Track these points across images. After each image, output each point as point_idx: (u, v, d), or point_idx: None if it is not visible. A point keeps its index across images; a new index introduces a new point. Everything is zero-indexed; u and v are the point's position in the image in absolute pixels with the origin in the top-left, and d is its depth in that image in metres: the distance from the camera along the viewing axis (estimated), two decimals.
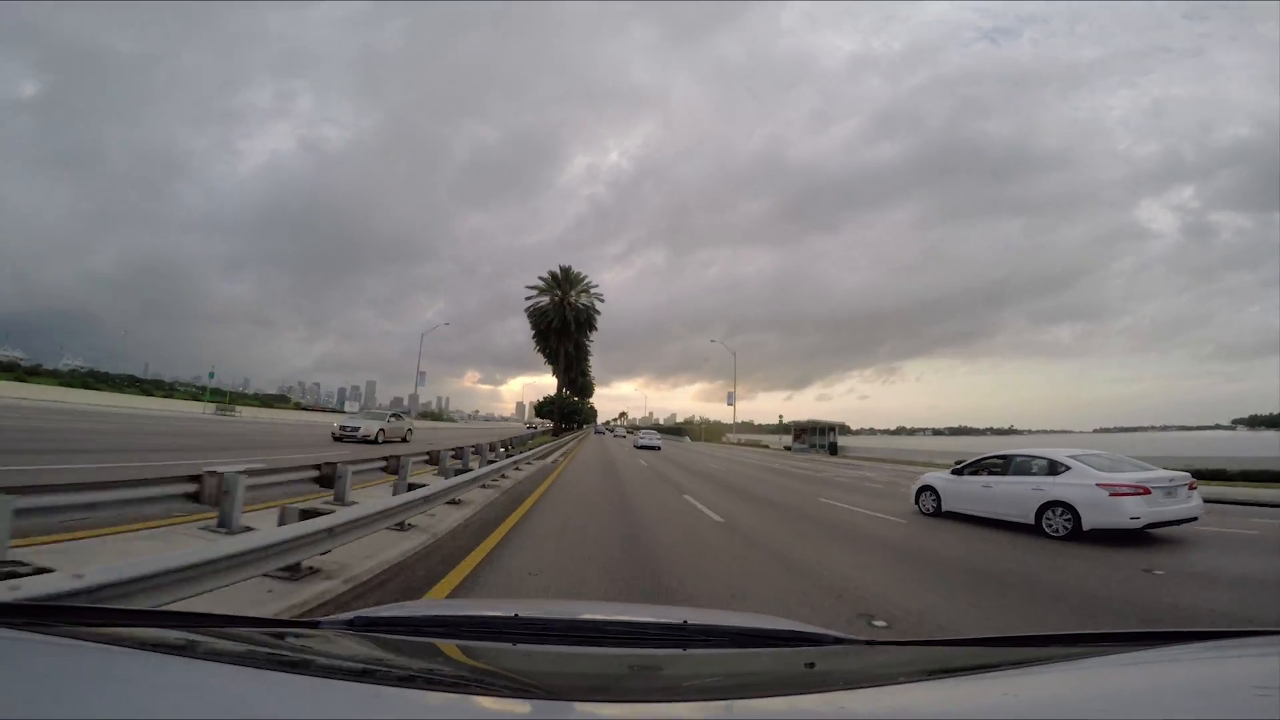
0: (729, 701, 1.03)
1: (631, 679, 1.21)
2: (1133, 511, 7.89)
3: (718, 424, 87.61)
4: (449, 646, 1.29)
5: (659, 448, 37.32)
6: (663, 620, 1.58)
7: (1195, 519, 8.47)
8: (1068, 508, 8.38)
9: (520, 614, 1.47)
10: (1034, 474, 9.14)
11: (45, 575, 2.47)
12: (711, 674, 1.28)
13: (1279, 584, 6.26)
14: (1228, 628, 1.10)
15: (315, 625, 1.36)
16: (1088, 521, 8.15)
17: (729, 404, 64.01)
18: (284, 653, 1.09)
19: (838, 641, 1.42)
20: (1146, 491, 7.99)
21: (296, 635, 1.28)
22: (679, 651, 1.36)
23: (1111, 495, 8.03)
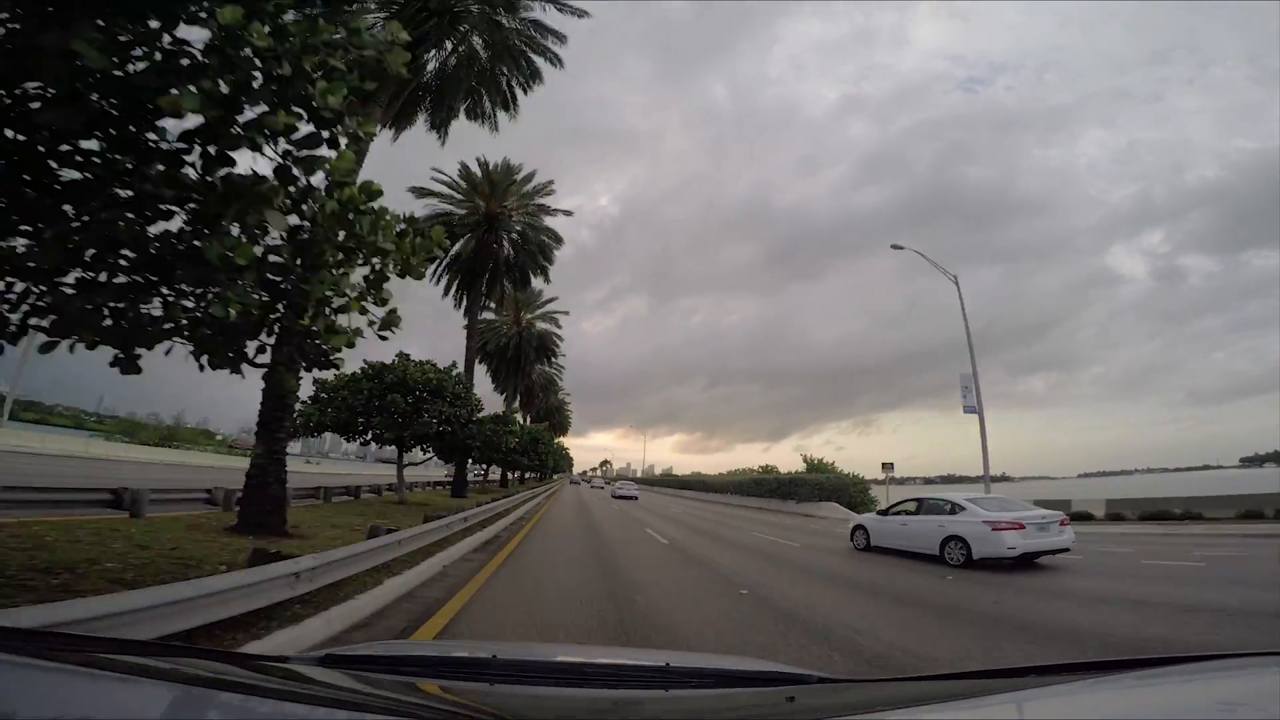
0: None
1: (610, 716, 1.20)
2: (1010, 543, 9.61)
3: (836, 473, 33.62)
4: (424, 685, 1.27)
5: (636, 498, 38.84)
6: (645, 662, 1.58)
7: (1067, 549, 10.21)
8: (962, 541, 10.09)
9: (499, 655, 1.46)
10: (938, 514, 10.93)
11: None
12: (692, 712, 1.28)
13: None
14: (1195, 653, 1.16)
15: (285, 660, 1.35)
16: (976, 552, 9.85)
17: (968, 409, 21.45)
18: (255, 683, 1.07)
19: (822, 681, 1.43)
20: (1021, 527, 9.73)
21: (266, 667, 1.26)
22: (661, 692, 1.36)
23: (994, 530, 9.77)
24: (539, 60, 16.88)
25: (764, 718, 1.21)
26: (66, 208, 2.96)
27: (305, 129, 3.20)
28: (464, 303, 26.22)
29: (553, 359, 41.87)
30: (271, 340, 4.04)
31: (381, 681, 1.26)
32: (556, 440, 60.44)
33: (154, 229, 3.18)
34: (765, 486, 36.27)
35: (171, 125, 2.98)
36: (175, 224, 3.24)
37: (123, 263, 3.15)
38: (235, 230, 3.22)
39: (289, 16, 2.97)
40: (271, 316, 3.75)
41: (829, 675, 1.49)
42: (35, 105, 2.71)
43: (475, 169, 25.82)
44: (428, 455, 23.46)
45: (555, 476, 70.08)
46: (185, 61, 2.75)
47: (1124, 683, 1.09)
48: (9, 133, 2.75)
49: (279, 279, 3.63)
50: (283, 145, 3.20)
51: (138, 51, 2.72)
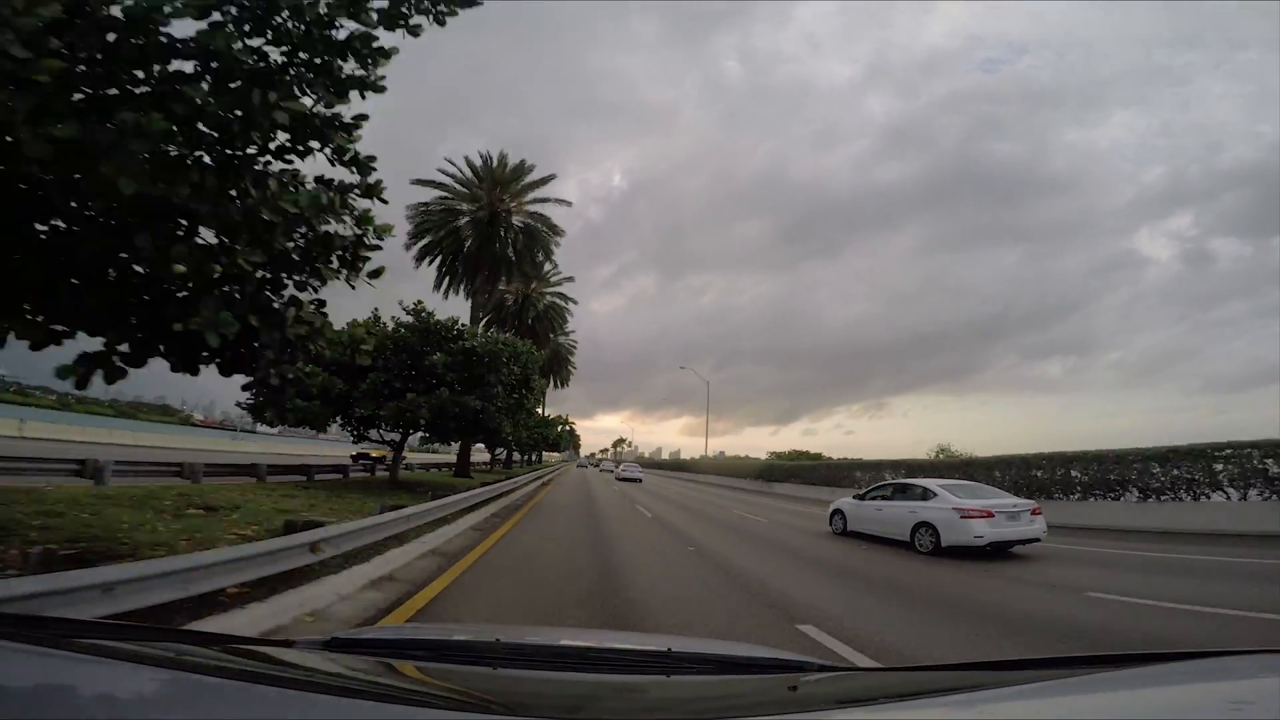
0: None
1: (612, 701, 1.21)
2: (977, 531, 9.50)
3: None
4: (427, 669, 1.28)
5: (640, 479, 38.78)
6: (647, 647, 1.61)
7: (1038, 539, 10.08)
8: (932, 528, 10.02)
9: (502, 639, 1.48)
10: (911, 499, 10.85)
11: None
12: (693, 698, 1.29)
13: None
14: (1200, 649, 1.16)
15: (290, 645, 1.35)
16: (945, 539, 9.77)
17: None
18: (258, 669, 1.08)
19: (824, 669, 1.44)
20: (990, 515, 9.62)
21: (271, 653, 1.27)
22: (663, 677, 1.37)
23: (962, 517, 9.67)
24: None
25: (765, 705, 1.21)
26: None
27: None
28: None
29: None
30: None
31: (386, 667, 1.27)
32: (557, 418, 44.83)
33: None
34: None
35: None
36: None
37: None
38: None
39: None
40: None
41: (830, 663, 1.48)
42: None
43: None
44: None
45: (553, 457, 54.13)
46: None
47: (1130, 679, 1.08)
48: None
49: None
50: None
51: None
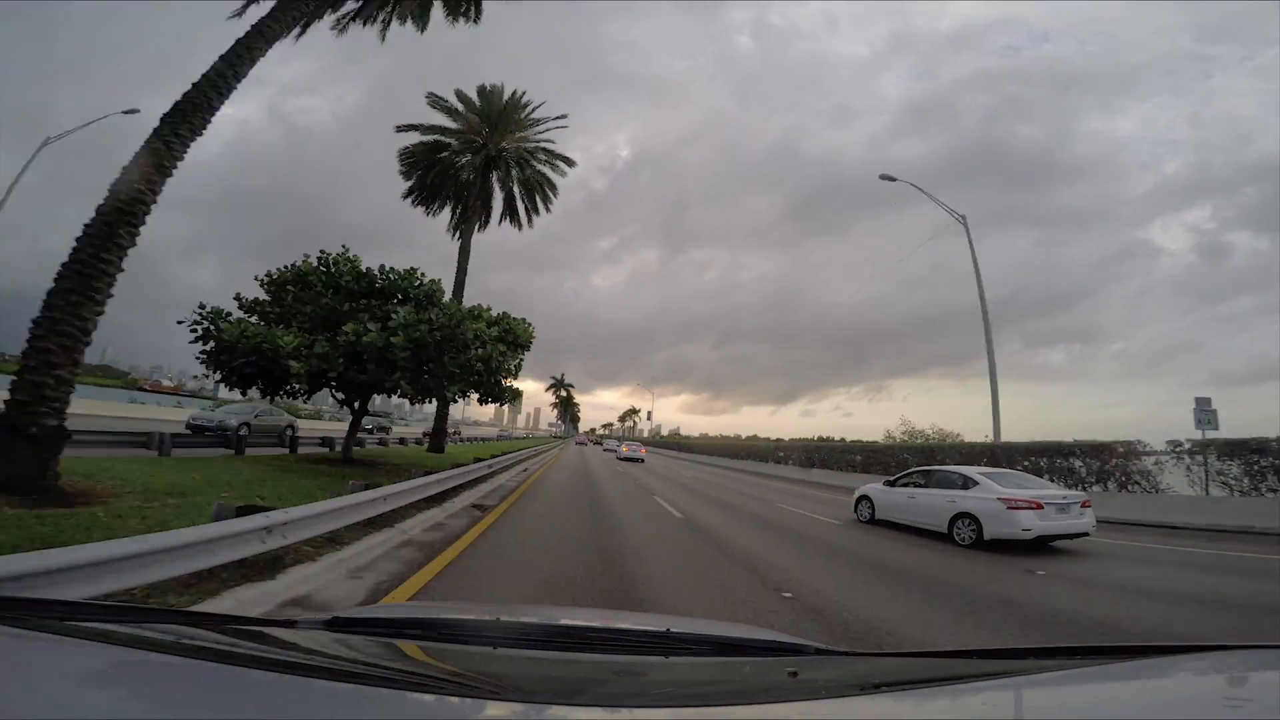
0: (710, 708, 1.05)
1: (611, 684, 1.21)
2: (1025, 524, 8.84)
3: None
4: (427, 649, 1.29)
5: (643, 459, 38.22)
6: (646, 628, 1.60)
7: (1087, 534, 9.44)
8: (973, 519, 9.35)
9: (502, 618, 1.48)
10: (949, 487, 10.15)
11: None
12: (693, 681, 1.28)
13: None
14: (1197, 642, 1.14)
15: (292, 624, 1.35)
16: (988, 531, 9.11)
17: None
18: (260, 651, 1.08)
19: (820, 652, 1.44)
20: (1039, 506, 8.95)
21: (272, 634, 1.27)
22: (661, 659, 1.37)
23: (1009, 509, 8.99)
24: None
25: (764, 690, 1.19)
26: None
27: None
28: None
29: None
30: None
31: (388, 646, 1.27)
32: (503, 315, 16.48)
33: None
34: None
35: None
36: None
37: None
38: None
39: None
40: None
41: (826, 646, 1.49)
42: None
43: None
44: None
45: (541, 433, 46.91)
46: None
47: (1127, 671, 1.10)
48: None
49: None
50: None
51: None
